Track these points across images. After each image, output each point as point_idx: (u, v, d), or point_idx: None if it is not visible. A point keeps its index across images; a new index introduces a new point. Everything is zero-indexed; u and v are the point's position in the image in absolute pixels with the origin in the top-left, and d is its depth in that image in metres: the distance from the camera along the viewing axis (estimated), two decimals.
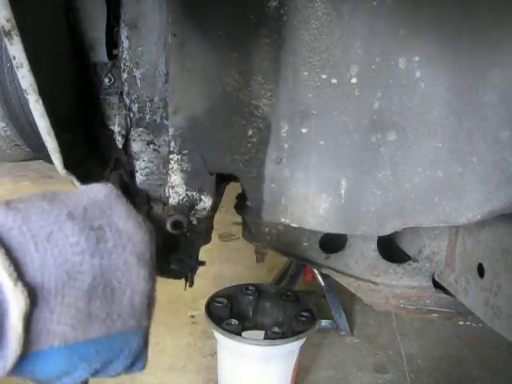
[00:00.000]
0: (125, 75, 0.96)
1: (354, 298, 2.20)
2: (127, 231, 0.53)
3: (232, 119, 0.87)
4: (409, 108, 0.80)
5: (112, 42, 0.98)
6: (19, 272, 0.44)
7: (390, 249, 1.16)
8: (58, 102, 0.87)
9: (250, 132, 0.87)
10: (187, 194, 0.93)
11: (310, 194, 0.88)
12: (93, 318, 0.49)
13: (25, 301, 0.43)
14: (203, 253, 1.01)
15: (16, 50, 0.72)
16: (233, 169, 0.90)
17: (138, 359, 0.55)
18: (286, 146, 0.86)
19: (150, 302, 0.55)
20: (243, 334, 1.51)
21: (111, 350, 0.51)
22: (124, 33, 0.94)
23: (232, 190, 1.16)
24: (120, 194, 0.57)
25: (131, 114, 0.98)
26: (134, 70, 0.95)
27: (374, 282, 1.12)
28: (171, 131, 0.89)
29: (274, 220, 0.94)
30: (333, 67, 0.80)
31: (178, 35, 0.83)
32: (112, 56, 0.99)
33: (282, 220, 0.91)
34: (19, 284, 0.43)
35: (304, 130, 0.85)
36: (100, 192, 0.56)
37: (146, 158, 1.00)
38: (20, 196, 0.51)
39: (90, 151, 1.00)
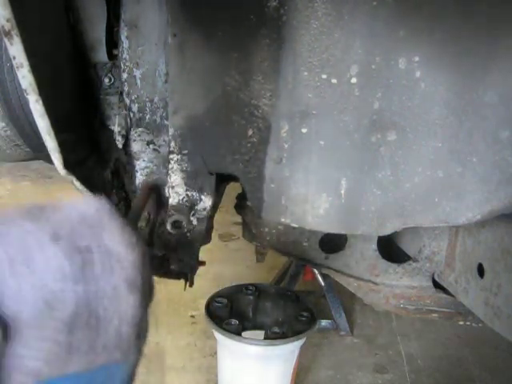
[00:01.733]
0: (125, 75, 0.96)
1: (353, 297, 2.20)
2: (117, 252, 0.48)
3: (232, 119, 0.87)
4: (409, 108, 0.80)
5: (112, 42, 0.98)
6: None
7: (390, 249, 1.16)
8: (58, 102, 0.87)
9: (250, 132, 0.87)
10: (187, 194, 0.93)
11: (309, 194, 0.88)
12: (73, 351, 0.44)
13: None
14: (203, 253, 1.01)
15: (16, 50, 0.72)
16: (233, 169, 0.90)
17: None
18: (286, 146, 0.86)
19: (139, 332, 0.49)
20: (243, 334, 1.51)
21: None
22: (124, 33, 0.94)
23: (232, 190, 1.16)
24: (113, 208, 0.52)
25: (131, 114, 0.98)
26: (134, 69, 0.95)
27: (374, 282, 1.12)
28: (171, 131, 0.89)
29: (274, 220, 0.94)
30: (333, 67, 0.80)
31: (178, 35, 0.83)
32: (112, 56, 0.99)
33: (282, 220, 0.91)
34: None
35: (304, 130, 0.85)
36: (91, 206, 0.51)
37: (146, 158, 1.00)
38: (4, 212, 0.47)
39: (90, 151, 1.00)
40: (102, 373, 0.46)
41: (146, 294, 0.51)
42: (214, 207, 0.97)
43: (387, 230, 0.89)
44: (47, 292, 0.43)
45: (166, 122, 0.97)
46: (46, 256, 0.44)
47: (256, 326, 1.67)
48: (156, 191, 0.94)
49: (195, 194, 0.93)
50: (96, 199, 0.53)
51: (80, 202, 0.52)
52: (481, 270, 0.90)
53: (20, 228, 0.45)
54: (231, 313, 1.60)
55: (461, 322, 1.16)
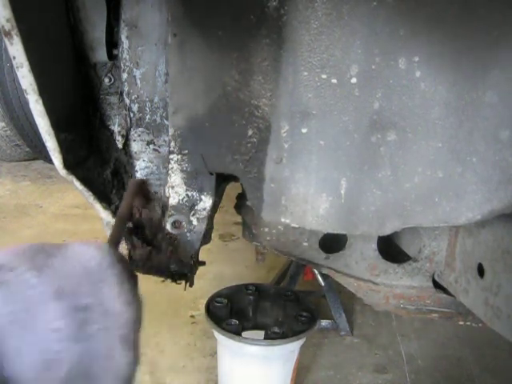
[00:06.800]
0: (125, 75, 0.96)
1: (353, 298, 2.20)
2: (114, 312, 0.50)
3: (232, 119, 0.87)
4: (409, 108, 0.80)
5: (112, 42, 0.98)
6: None
7: (390, 249, 1.16)
8: (58, 102, 0.87)
9: (250, 132, 0.87)
10: (187, 194, 0.93)
11: (309, 194, 0.88)
12: None
13: None
14: (203, 253, 1.01)
15: (16, 50, 0.72)
16: (233, 169, 0.90)
17: None
18: (286, 146, 0.86)
19: None
20: (243, 334, 1.51)
21: None
22: (124, 33, 0.94)
23: (232, 190, 1.16)
24: (114, 260, 0.54)
25: (131, 114, 0.98)
26: (134, 69, 0.95)
27: (374, 282, 1.12)
28: (171, 131, 0.89)
29: (274, 220, 0.94)
30: (333, 67, 0.80)
31: (178, 35, 0.83)
32: (112, 56, 0.99)
33: (282, 220, 0.91)
34: None
35: (304, 130, 0.85)
36: (93, 258, 0.52)
37: (146, 158, 1.00)
38: (6, 257, 0.47)
39: (90, 151, 1.00)
40: None
41: (138, 349, 0.53)
42: (214, 207, 0.97)
43: (387, 230, 0.89)
44: (46, 353, 0.44)
45: (166, 121, 0.97)
46: (48, 315, 0.45)
47: (256, 326, 1.67)
48: (144, 188, 0.96)
49: (195, 194, 0.93)
50: (99, 248, 0.54)
51: (83, 252, 0.53)
52: (481, 270, 0.90)
53: (23, 282, 0.45)
54: (231, 313, 1.60)
55: (461, 322, 1.16)
